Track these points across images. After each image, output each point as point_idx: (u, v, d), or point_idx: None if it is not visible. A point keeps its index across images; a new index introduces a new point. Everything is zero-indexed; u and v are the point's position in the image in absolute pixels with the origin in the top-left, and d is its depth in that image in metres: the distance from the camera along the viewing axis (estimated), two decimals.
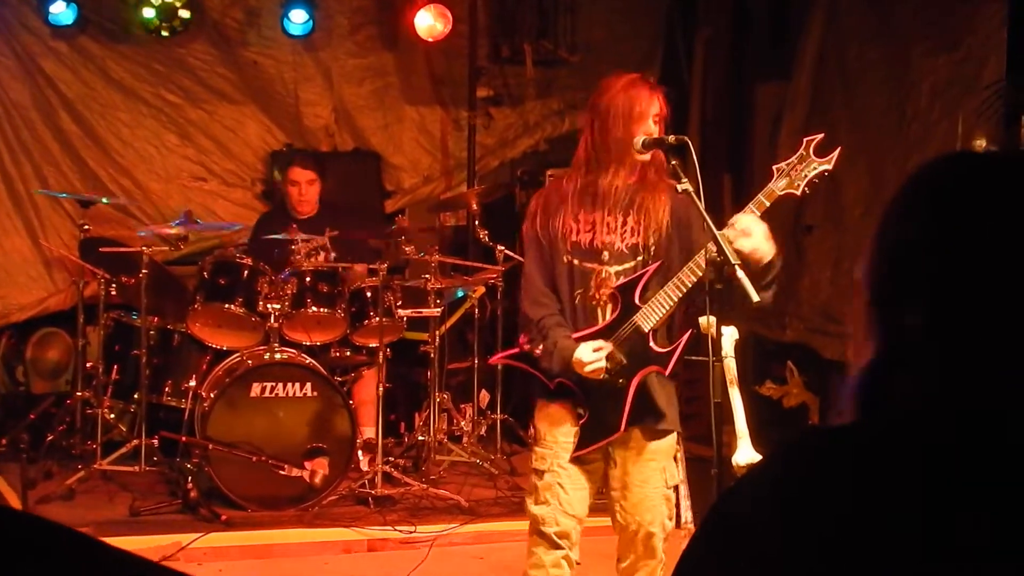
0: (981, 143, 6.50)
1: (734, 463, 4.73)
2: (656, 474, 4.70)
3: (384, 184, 10.06)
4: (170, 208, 9.28)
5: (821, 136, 4.49)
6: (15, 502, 6.91)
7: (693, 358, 4.91)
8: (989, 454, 1.29)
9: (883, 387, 1.38)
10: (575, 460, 4.67)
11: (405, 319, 7.90)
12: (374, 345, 7.75)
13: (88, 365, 8.07)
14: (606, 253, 4.57)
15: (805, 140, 4.47)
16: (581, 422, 4.61)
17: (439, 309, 7.93)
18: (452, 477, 7.94)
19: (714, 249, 4.24)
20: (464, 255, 8.96)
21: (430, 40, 9.57)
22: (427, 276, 7.85)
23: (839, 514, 1.29)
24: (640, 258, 4.57)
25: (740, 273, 4.14)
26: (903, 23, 8.19)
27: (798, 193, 4.44)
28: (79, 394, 8.00)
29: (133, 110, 9.46)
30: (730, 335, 4.73)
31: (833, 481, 1.33)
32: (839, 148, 4.47)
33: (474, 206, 8.36)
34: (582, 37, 10.20)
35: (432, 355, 8.07)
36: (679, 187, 4.38)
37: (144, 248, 7.74)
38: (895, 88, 8.23)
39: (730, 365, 4.72)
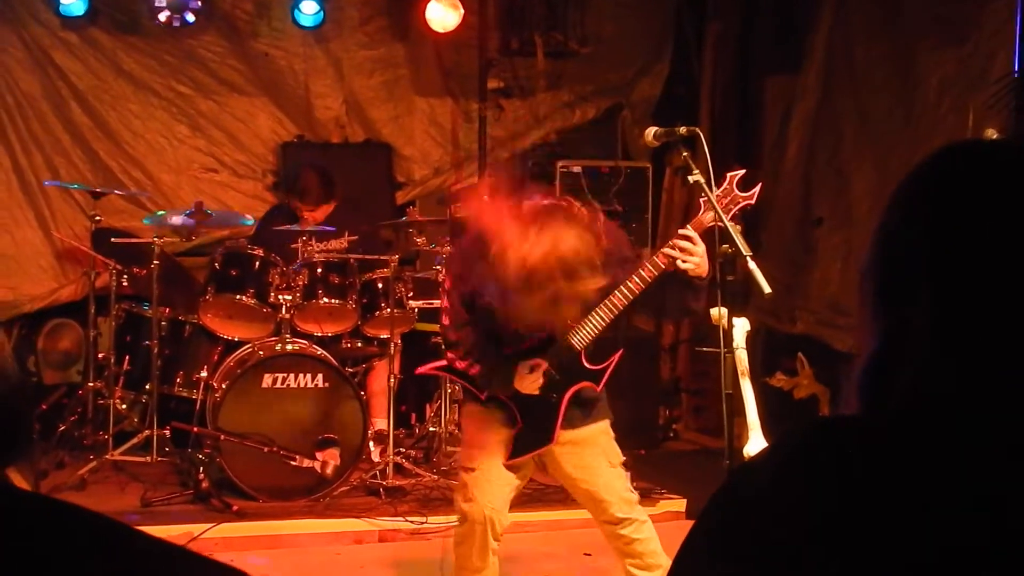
0: (992, 133, 6.50)
1: (745, 454, 4.75)
2: (598, 457, 4.89)
3: (395, 176, 10.06)
4: (181, 199, 9.29)
5: (743, 172, 4.66)
6: None
7: (704, 349, 4.97)
8: (988, 453, 1.28)
9: (885, 382, 1.38)
10: (508, 465, 4.87)
11: (416, 310, 7.93)
12: (385, 336, 7.77)
13: (99, 356, 8.10)
14: None
15: (729, 175, 4.65)
16: (515, 431, 4.81)
17: None
18: None
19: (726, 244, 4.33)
20: None
21: (441, 32, 9.56)
22: (438, 267, 7.86)
23: (837, 507, 1.29)
24: None
25: (752, 265, 4.20)
26: (910, 18, 8.19)
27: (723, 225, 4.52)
28: (91, 385, 8.02)
29: (144, 101, 9.48)
30: (742, 326, 4.75)
31: (832, 474, 1.32)
32: (760, 184, 4.66)
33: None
34: (592, 29, 10.19)
35: (443, 346, 8.07)
36: (690, 178, 4.44)
37: (155, 239, 7.76)
38: (903, 83, 8.23)
39: (741, 356, 4.74)
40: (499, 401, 4.82)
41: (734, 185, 4.60)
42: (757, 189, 4.61)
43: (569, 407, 4.81)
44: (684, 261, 4.46)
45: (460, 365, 4.84)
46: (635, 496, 5.01)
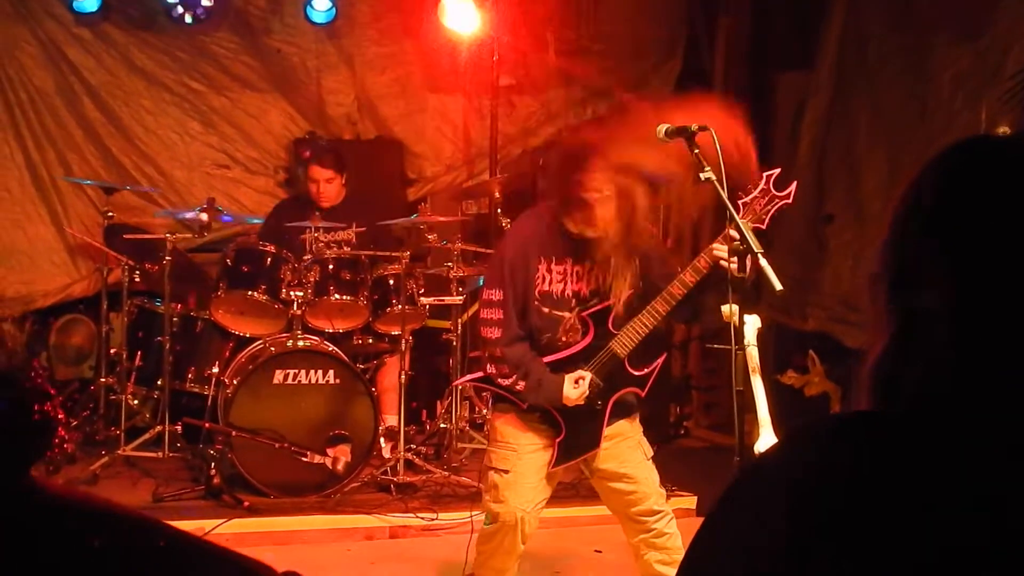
0: (1005, 130, 6.48)
1: (756, 451, 4.74)
2: (635, 450, 4.95)
3: (406, 172, 10.07)
4: (193, 195, 9.32)
5: (778, 171, 4.64)
6: None
7: (715, 346, 4.98)
8: (988, 453, 1.29)
9: (894, 378, 1.39)
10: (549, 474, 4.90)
11: (427, 307, 7.93)
12: (396, 333, 7.77)
13: (111, 351, 8.12)
14: (574, 300, 4.80)
15: (765, 175, 4.62)
16: (559, 439, 4.82)
17: (461, 297, 7.94)
18: (474, 464, 7.91)
19: (737, 238, 4.31)
20: (486, 243, 8.96)
21: (453, 28, 9.54)
22: (449, 264, 7.87)
23: (841, 503, 1.30)
24: (599, 298, 4.79)
25: (763, 261, 4.18)
26: (924, 13, 8.16)
27: (763, 227, 4.56)
28: (102, 380, 8.06)
29: (156, 97, 9.50)
30: (753, 323, 4.74)
31: (839, 472, 1.33)
32: (795, 182, 4.64)
33: (496, 194, 8.38)
34: (604, 26, 10.19)
35: (454, 343, 8.09)
36: (702, 176, 4.41)
37: (167, 235, 7.78)
38: (916, 78, 8.21)
39: (752, 353, 4.72)
40: (541, 408, 4.83)
41: (771, 185, 4.58)
42: (793, 188, 4.60)
43: (617, 413, 4.86)
44: (731, 262, 4.45)
45: (504, 382, 4.82)
46: (664, 490, 5.05)
